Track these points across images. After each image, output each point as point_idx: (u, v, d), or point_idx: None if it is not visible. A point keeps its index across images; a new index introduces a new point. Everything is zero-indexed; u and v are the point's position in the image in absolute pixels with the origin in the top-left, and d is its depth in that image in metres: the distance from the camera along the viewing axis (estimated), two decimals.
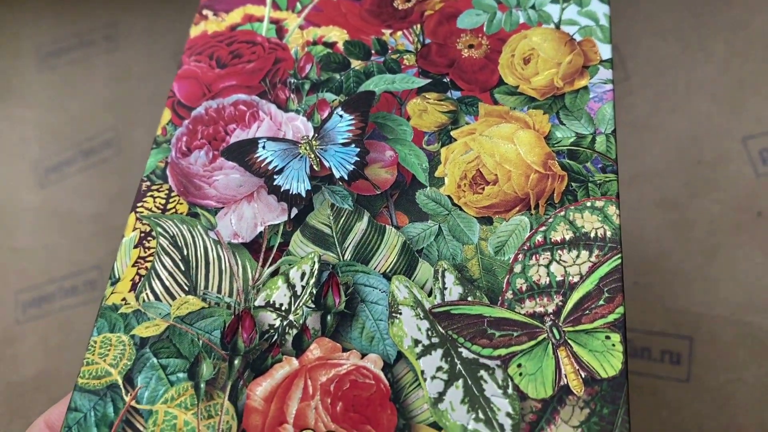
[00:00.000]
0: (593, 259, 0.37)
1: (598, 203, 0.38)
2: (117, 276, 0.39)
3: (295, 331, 0.36)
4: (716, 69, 0.76)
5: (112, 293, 0.39)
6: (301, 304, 0.37)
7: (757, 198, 0.71)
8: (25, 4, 0.80)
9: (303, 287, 0.37)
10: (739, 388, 0.63)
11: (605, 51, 0.43)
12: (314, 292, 0.37)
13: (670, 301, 0.65)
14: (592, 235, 0.37)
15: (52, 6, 0.80)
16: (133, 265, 0.39)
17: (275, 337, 0.36)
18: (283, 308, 0.37)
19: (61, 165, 0.75)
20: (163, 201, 0.42)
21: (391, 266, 0.38)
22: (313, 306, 0.37)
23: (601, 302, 0.35)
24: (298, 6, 0.48)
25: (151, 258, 0.40)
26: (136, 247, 0.40)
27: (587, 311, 0.35)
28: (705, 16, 0.78)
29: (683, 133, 0.72)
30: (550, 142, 0.40)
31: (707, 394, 0.61)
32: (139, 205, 0.42)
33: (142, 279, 0.39)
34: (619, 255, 0.36)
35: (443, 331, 0.35)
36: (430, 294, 0.37)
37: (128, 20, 0.84)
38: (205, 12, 0.49)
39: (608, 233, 0.37)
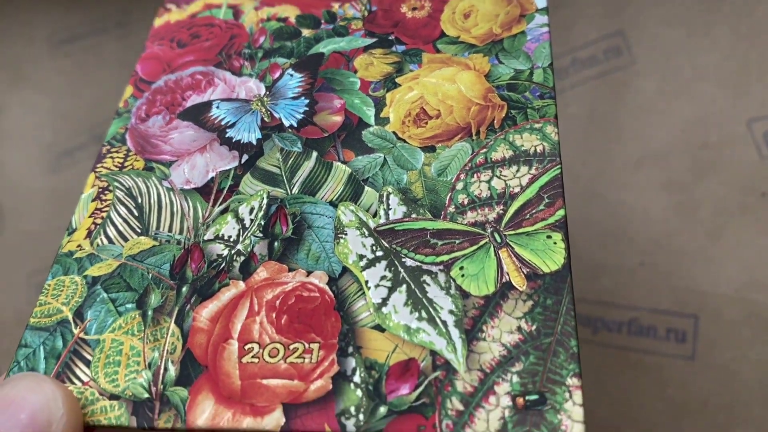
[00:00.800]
0: (533, 171, 0.37)
1: (537, 125, 0.39)
2: (74, 227, 0.40)
3: (243, 258, 0.37)
4: (721, 54, 0.76)
5: (68, 242, 0.39)
6: (248, 234, 0.37)
7: (762, 179, 0.71)
8: None
9: (252, 220, 0.38)
10: (743, 365, 0.62)
11: (541, 1, 0.45)
12: (262, 223, 0.38)
13: (675, 280, 0.64)
14: (532, 151, 0.38)
15: None
16: (89, 216, 0.40)
17: (223, 264, 0.37)
18: (231, 239, 0.37)
19: (73, 150, 0.76)
20: (121, 160, 0.43)
21: (337, 196, 0.38)
22: (261, 235, 0.37)
23: (542, 207, 0.35)
24: None
25: (107, 209, 0.40)
26: (93, 200, 0.41)
27: (528, 216, 0.35)
28: (710, 3, 0.79)
29: (688, 116, 0.73)
30: (489, 79, 0.42)
31: (712, 372, 0.60)
32: (98, 166, 0.43)
33: (97, 227, 0.40)
34: (559, 166, 0.37)
35: (387, 246, 0.36)
36: (375, 216, 0.37)
37: (140, 7, 0.84)
38: (168, 5, 0.52)
39: (547, 148, 0.38)
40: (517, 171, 0.37)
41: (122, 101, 0.46)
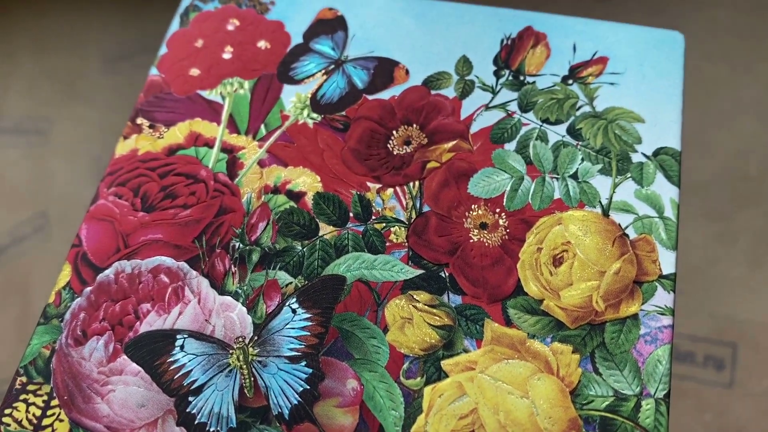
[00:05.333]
0: None
1: None
2: None
3: None
4: (763, 90, 0.81)
5: None
6: None
7: None
8: (93, 9, 0.82)
9: None
10: None
11: (668, 261, 0.31)
12: None
13: (714, 308, 0.68)
14: None
15: (117, 12, 0.82)
16: None
17: None
18: None
19: None
20: (39, 412, 0.30)
21: None
22: None
23: None
24: (262, 131, 0.36)
25: None
26: None
27: None
28: (752, 41, 0.83)
29: (730, 149, 0.77)
30: (577, 400, 0.29)
31: (750, 400, 0.63)
32: (7, 411, 0.30)
33: None
34: None
35: None
36: None
37: None
38: (139, 121, 0.37)
39: None
40: None
41: (54, 293, 0.33)
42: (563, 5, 0.82)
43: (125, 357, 0.31)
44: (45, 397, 0.30)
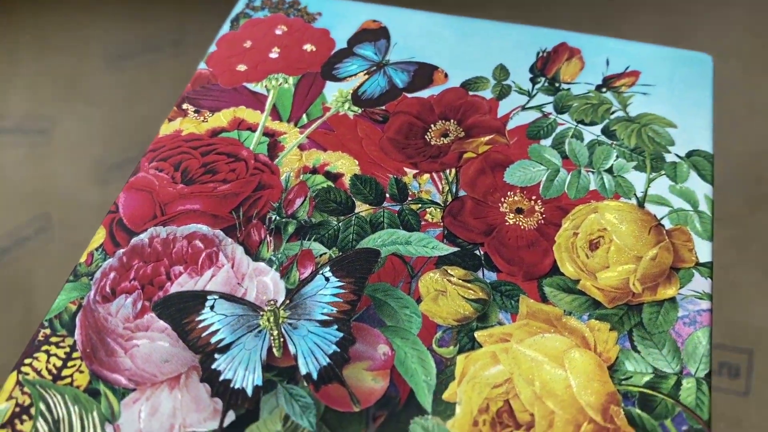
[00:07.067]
0: None
1: None
2: None
3: None
4: None
5: None
6: None
7: None
8: (96, 8, 0.82)
9: None
10: None
11: (704, 250, 0.31)
12: None
13: (729, 314, 0.65)
14: None
15: (121, 10, 0.82)
16: None
17: None
18: None
19: (123, 163, 0.74)
20: (60, 363, 0.30)
21: None
22: None
23: None
24: (304, 119, 0.37)
25: None
26: (3, 426, 0.28)
27: None
28: (766, 40, 0.81)
29: (743, 151, 0.76)
30: (615, 375, 0.28)
31: (766, 408, 0.61)
32: (27, 361, 0.30)
33: None
34: None
35: None
36: None
37: (195, 25, 0.84)
38: (185, 106, 0.38)
39: None
40: None
41: (86, 254, 0.33)
42: (574, 4, 0.82)
43: (152, 315, 0.30)
44: (67, 349, 0.30)
